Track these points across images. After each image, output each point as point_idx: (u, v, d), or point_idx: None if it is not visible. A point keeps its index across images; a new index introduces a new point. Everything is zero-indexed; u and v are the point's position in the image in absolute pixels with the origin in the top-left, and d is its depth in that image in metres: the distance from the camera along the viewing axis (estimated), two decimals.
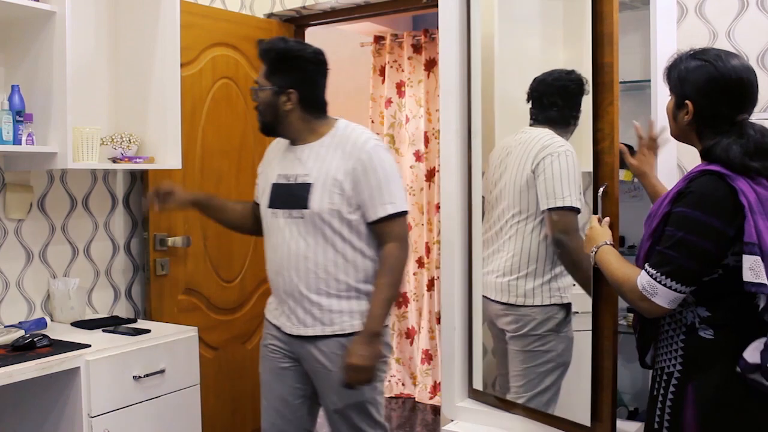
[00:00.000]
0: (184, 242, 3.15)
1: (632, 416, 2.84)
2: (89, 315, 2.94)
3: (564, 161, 2.26)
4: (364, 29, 4.78)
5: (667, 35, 2.58)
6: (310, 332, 2.25)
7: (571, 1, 2.50)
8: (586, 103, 2.13)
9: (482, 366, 2.59)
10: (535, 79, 2.39)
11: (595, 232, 1.95)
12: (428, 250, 4.68)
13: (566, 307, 2.36)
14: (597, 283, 2.08)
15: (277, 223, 2.29)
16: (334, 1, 3.46)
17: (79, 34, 2.74)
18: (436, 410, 4.44)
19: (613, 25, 2.04)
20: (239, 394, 3.36)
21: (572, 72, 2.29)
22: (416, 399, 4.68)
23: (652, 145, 2.21)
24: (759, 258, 1.57)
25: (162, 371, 2.55)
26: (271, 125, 2.31)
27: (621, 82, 2.11)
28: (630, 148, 2.24)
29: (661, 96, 2.29)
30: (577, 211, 2.26)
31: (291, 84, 2.24)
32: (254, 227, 2.47)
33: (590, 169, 2.11)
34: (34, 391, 2.42)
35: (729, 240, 1.61)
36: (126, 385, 2.45)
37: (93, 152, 2.70)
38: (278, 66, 2.26)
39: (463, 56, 2.57)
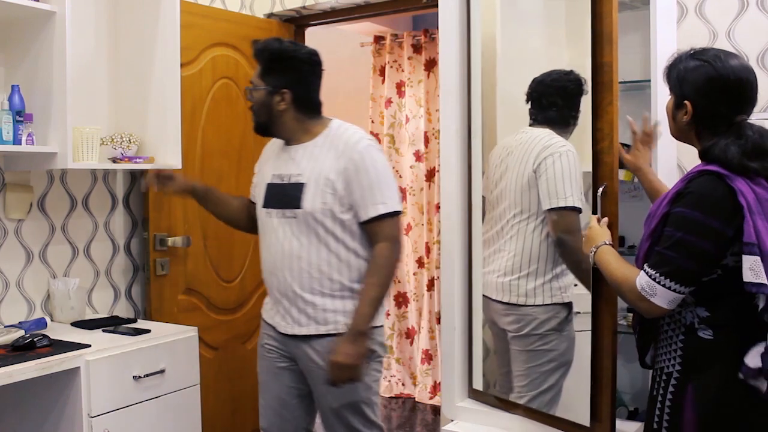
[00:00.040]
0: (184, 242, 3.15)
1: (632, 416, 2.84)
2: (89, 315, 2.94)
3: (566, 161, 2.27)
4: (364, 29, 4.78)
5: (667, 35, 2.58)
6: (304, 331, 2.26)
7: (573, 1, 2.50)
8: (586, 103, 2.14)
9: (483, 366, 2.59)
10: (534, 79, 2.39)
11: (594, 232, 1.96)
12: (428, 250, 4.68)
13: (568, 306, 2.36)
14: (596, 282, 2.08)
15: (271, 223, 2.30)
16: (334, 1, 3.46)
17: (79, 34, 2.74)
18: (436, 410, 4.44)
19: (613, 24, 2.04)
20: (239, 394, 3.37)
21: (571, 72, 2.29)
22: (416, 399, 4.68)
23: (646, 140, 2.22)
24: (759, 258, 1.57)
25: (162, 371, 2.55)
26: (265, 125, 2.33)
27: (621, 82, 2.11)
28: (627, 147, 2.24)
29: (661, 96, 2.29)
30: (579, 210, 2.26)
31: (285, 84, 2.25)
32: (248, 224, 2.50)
33: (590, 169, 2.11)
34: (34, 391, 2.42)
35: (728, 240, 1.61)
36: (126, 385, 2.45)
37: (93, 152, 2.70)
38: (272, 66, 2.27)
39: (463, 56, 2.57)
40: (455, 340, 2.60)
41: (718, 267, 1.64)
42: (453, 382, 2.61)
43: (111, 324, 2.78)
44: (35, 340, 2.38)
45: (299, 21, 3.70)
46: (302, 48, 2.32)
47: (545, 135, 2.35)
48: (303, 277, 2.23)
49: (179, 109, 2.89)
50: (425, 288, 4.68)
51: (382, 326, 2.32)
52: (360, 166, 2.20)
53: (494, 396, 2.54)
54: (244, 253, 3.43)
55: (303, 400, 2.37)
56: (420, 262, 4.73)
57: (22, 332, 2.43)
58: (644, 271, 1.67)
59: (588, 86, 2.11)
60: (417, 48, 4.71)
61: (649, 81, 2.55)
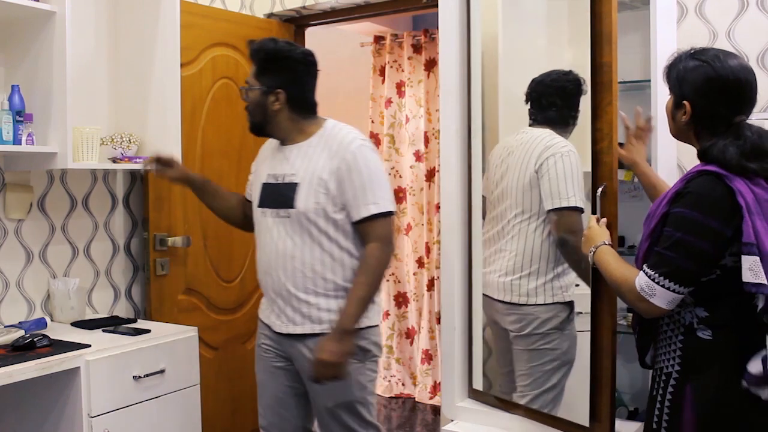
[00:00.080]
0: (184, 242, 3.15)
1: (632, 416, 2.83)
2: (89, 315, 2.94)
3: (567, 161, 2.27)
4: (364, 29, 4.78)
5: (667, 35, 2.58)
6: (299, 330, 2.26)
7: (575, 0, 2.50)
8: (585, 103, 2.14)
9: (483, 366, 2.59)
10: (533, 80, 2.40)
11: (594, 232, 1.96)
12: (428, 250, 4.68)
13: (569, 305, 2.36)
14: (596, 283, 2.08)
15: (266, 223, 2.31)
16: (334, 1, 3.46)
17: (79, 34, 2.74)
18: (436, 410, 4.44)
19: (612, 24, 2.04)
20: (239, 394, 3.37)
21: (570, 72, 2.30)
22: (416, 399, 4.68)
23: (640, 134, 2.22)
24: (758, 258, 1.57)
25: (162, 371, 2.55)
26: (260, 125, 2.34)
27: (621, 82, 2.11)
28: (620, 144, 2.24)
29: (661, 96, 2.29)
30: (581, 211, 2.26)
31: (279, 84, 2.26)
32: (243, 221, 2.51)
33: (589, 169, 2.11)
34: (34, 391, 2.42)
35: (727, 240, 1.61)
36: (126, 385, 2.45)
37: (93, 152, 2.70)
38: (267, 66, 2.28)
39: (463, 56, 2.57)
40: (455, 340, 2.60)
41: (717, 267, 1.64)
42: (453, 382, 2.61)
43: (111, 324, 2.78)
44: (35, 340, 2.38)
45: (299, 21, 3.70)
46: (297, 48, 2.33)
47: (546, 135, 2.35)
48: (297, 277, 2.24)
49: (179, 109, 2.89)
50: (425, 288, 4.68)
51: (377, 326, 2.32)
52: (352, 166, 2.20)
53: (494, 396, 2.54)
54: (244, 253, 3.43)
55: (300, 399, 2.38)
56: (420, 262, 4.73)
57: (22, 332, 2.43)
58: (643, 271, 1.67)
59: (587, 86, 2.11)
60: (417, 48, 4.70)
61: (649, 81, 2.55)
